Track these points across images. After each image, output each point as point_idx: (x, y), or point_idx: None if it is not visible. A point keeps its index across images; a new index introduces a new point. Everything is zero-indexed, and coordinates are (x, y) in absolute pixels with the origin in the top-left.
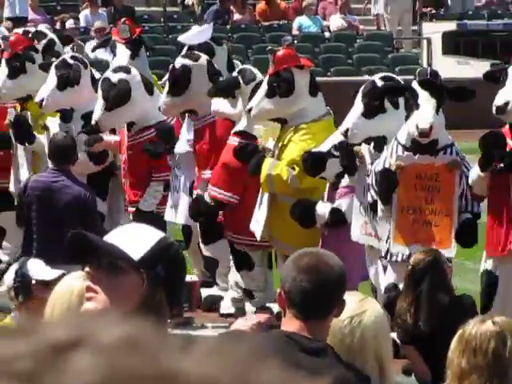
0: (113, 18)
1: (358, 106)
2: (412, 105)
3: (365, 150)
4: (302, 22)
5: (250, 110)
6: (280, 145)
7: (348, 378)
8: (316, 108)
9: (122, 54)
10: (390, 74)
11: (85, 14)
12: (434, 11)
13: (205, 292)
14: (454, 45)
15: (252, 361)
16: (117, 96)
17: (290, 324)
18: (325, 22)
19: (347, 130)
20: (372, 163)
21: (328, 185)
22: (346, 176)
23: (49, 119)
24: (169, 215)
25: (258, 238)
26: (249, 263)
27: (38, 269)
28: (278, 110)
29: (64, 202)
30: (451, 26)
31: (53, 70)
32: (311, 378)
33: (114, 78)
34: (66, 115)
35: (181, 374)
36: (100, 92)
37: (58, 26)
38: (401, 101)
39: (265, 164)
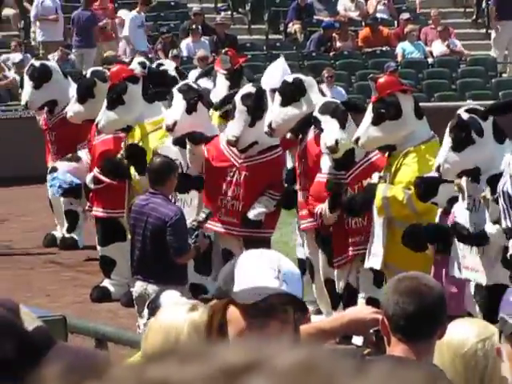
0: (215, 46)
1: (447, 140)
2: None
3: (463, 182)
4: (405, 47)
5: (357, 140)
6: (393, 170)
7: None
8: (423, 131)
9: (222, 85)
10: (476, 107)
11: (186, 42)
12: None
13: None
14: None
15: None
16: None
17: (396, 349)
18: (427, 48)
19: (439, 166)
20: (470, 196)
21: (440, 209)
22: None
23: (161, 148)
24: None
25: (378, 268)
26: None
27: (171, 300)
28: (387, 136)
29: (150, 222)
30: None
31: (177, 94)
32: None
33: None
34: (181, 140)
35: None
36: (243, 107)
37: (159, 54)
38: (488, 128)
39: (378, 189)
